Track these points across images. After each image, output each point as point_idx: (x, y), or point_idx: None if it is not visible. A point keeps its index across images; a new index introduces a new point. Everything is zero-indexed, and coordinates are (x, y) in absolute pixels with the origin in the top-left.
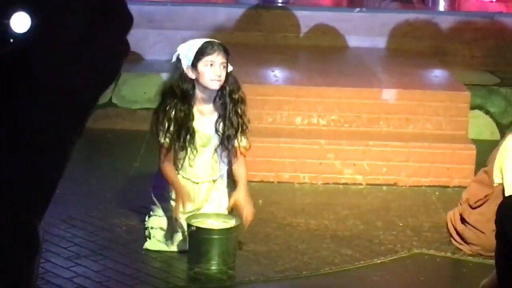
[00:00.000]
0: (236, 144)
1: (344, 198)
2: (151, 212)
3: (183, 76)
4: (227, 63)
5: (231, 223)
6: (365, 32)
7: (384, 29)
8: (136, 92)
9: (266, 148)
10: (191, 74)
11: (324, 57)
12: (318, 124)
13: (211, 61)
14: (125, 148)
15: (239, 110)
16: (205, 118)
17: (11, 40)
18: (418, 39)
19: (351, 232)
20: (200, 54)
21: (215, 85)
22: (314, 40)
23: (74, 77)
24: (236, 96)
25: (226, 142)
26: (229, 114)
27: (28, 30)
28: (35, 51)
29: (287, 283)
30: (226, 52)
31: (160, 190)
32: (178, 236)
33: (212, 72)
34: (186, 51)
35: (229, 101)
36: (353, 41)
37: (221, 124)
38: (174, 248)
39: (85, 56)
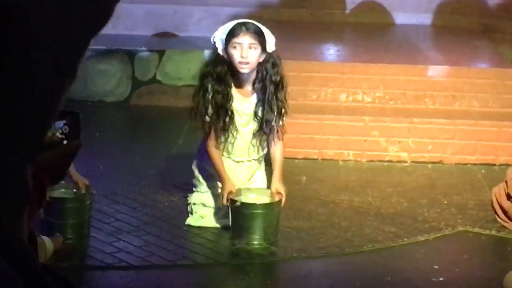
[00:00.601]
0: (274, 124)
1: (388, 176)
2: (193, 188)
3: (218, 59)
4: (259, 44)
5: (273, 198)
6: (412, 9)
7: (431, 5)
8: (180, 68)
9: (310, 125)
10: (226, 57)
11: (369, 34)
12: (363, 101)
13: (238, 43)
14: (169, 125)
15: (279, 95)
16: (245, 99)
17: None
18: (466, 16)
19: (395, 210)
20: (229, 36)
21: (242, 68)
22: (360, 17)
23: (67, 20)
24: (277, 79)
25: (264, 126)
26: (269, 98)
27: None
28: (29, 2)
29: (329, 260)
30: (256, 32)
31: (203, 167)
32: (220, 212)
33: (238, 54)
34: (221, 34)
35: (269, 84)
36: (400, 18)
37: (260, 108)
38: (216, 224)
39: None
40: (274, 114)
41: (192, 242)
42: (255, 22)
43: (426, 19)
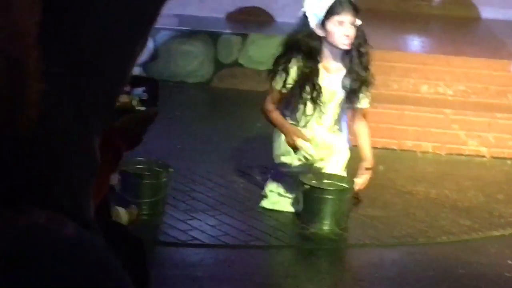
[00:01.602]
0: (358, 105)
1: (466, 170)
2: (269, 176)
3: (311, 33)
4: (355, 21)
5: (345, 184)
6: (499, 4)
7: None
8: (263, 53)
9: (390, 114)
10: (320, 32)
11: (455, 27)
12: (445, 94)
13: (341, 20)
14: (250, 108)
15: (364, 65)
16: (330, 75)
17: None
18: None
19: (471, 203)
20: (330, 13)
21: (344, 45)
22: (446, 10)
23: None
24: (364, 50)
25: (351, 96)
26: (355, 67)
27: None
28: None
29: (402, 249)
30: (356, 9)
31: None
32: (294, 198)
33: (342, 31)
34: (314, 8)
35: (356, 54)
36: (487, 13)
37: (348, 78)
38: (289, 209)
39: None
40: (360, 82)
41: (265, 224)
42: None
43: None
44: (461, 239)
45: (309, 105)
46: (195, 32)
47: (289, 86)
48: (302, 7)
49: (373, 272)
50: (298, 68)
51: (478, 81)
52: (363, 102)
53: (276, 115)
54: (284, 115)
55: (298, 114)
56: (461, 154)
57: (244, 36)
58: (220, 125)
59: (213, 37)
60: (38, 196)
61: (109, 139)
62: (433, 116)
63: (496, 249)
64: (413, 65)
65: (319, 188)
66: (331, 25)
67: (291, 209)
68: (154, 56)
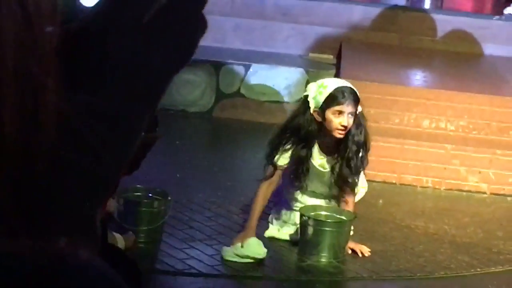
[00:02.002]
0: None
1: (466, 205)
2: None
3: (309, 118)
4: (356, 111)
5: (343, 217)
6: (503, 41)
7: None
8: (265, 84)
9: (390, 148)
10: (318, 117)
11: (458, 63)
12: (446, 129)
13: (341, 110)
14: (250, 138)
15: (360, 155)
16: (324, 156)
17: (80, 15)
18: None
19: (470, 239)
20: (330, 101)
21: (340, 134)
22: (449, 45)
23: (149, 55)
24: (360, 140)
25: (339, 181)
26: (349, 155)
27: (97, 5)
28: (108, 28)
29: (400, 284)
30: (356, 100)
31: (281, 200)
32: (291, 228)
33: (339, 121)
34: (316, 94)
35: (351, 144)
36: (490, 49)
37: (338, 164)
38: (285, 237)
39: (160, 31)
40: (351, 171)
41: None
42: (352, 87)
43: None
44: (460, 275)
45: (302, 185)
46: (198, 61)
47: (285, 164)
48: (307, 44)
49: None
50: (294, 150)
51: (480, 117)
52: (354, 182)
53: (256, 202)
54: (285, 185)
55: (295, 192)
56: (461, 190)
57: (247, 67)
58: (221, 155)
59: (216, 67)
60: (55, 224)
61: None
62: (433, 151)
63: (494, 286)
64: (415, 99)
65: (318, 220)
66: (329, 113)
67: (287, 238)
68: None
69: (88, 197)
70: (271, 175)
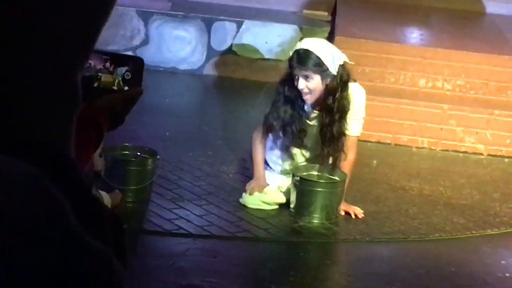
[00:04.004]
0: (347, 132)
1: (462, 167)
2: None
3: (289, 78)
4: (315, 72)
5: (336, 178)
6: None
7: None
8: (257, 41)
9: (386, 108)
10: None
11: (456, 21)
12: (443, 88)
13: (295, 75)
14: (241, 97)
15: (340, 120)
16: (316, 112)
17: None
18: None
19: (466, 201)
20: (288, 64)
21: (306, 99)
22: (448, 3)
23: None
24: (344, 103)
25: (326, 138)
26: (334, 117)
27: None
28: None
29: (393, 246)
30: (306, 62)
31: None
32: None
33: (296, 84)
34: (290, 57)
35: (335, 107)
36: (490, 7)
37: (326, 121)
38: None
39: None
40: (332, 136)
41: (254, 216)
42: (309, 47)
43: None
44: (455, 237)
45: (291, 141)
46: (189, 17)
47: (276, 123)
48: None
49: (362, 268)
50: (284, 110)
51: (477, 76)
52: (352, 129)
53: (257, 152)
54: (272, 146)
55: (282, 148)
56: (457, 151)
57: (239, 23)
58: (211, 114)
59: (207, 23)
60: (6, 132)
61: (91, 118)
62: (429, 111)
63: (490, 248)
64: (411, 58)
65: (310, 180)
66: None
67: (277, 200)
68: (145, 41)
69: (51, 105)
70: (263, 134)
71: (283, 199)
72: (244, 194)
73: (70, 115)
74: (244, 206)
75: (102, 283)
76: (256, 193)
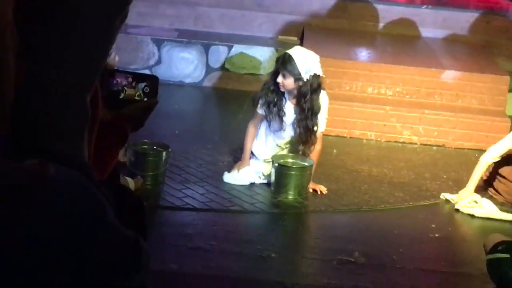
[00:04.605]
0: (314, 129)
1: (401, 154)
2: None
3: (275, 72)
4: (290, 74)
5: (305, 164)
6: (430, 25)
7: (445, 23)
8: (244, 60)
9: (342, 110)
10: None
11: (394, 43)
12: (385, 94)
13: (278, 70)
14: (232, 103)
15: (310, 118)
16: (291, 106)
17: None
18: (472, 33)
19: (404, 180)
20: (276, 63)
21: (280, 88)
22: (388, 29)
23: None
24: (314, 104)
25: (299, 129)
26: (302, 117)
27: None
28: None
29: (350, 215)
30: (287, 65)
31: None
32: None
33: (277, 78)
34: (280, 56)
35: (306, 106)
36: (424, 32)
37: (300, 117)
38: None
39: None
40: (307, 132)
41: (243, 194)
42: (293, 54)
43: (440, 33)
44: (396, 207)
45: (275, 124)
46: (191, 43)
47: (262, 100)
48: (277, 29)
49: (326, 232)
50: (268, 97)
51: (411, 84)
52: (318, 127)
53: (247, 140)
54: (259, 139)
55: (267, 140)
56: (397, 142)
57: (230, 47)
58: (210, 116)
59: (205, 47)
60: (32, 144)
61: (118, 123)
62: (375, 112)
63: (423, 215)
64: (361, 71)
65: (286, 166)
66: None
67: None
68: (158, 61)
69: (68, 121)
70: (255, 119)
71: (255, 179)
72: (225, 173)
73: (82, 129)
74: (229, 183)
75: (131, 264)
76: (234, 171)
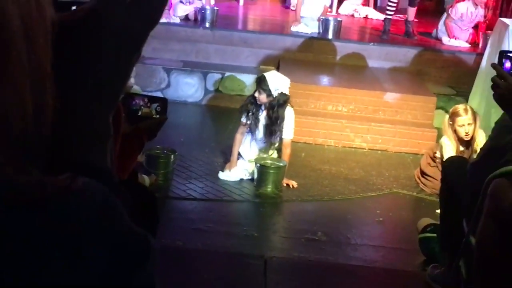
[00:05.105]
0: (282, 135)
1: (354, 156)
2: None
3: (255, 90)
4: (262, 90)
5: (280, 164)
6: (377, 58)
7: (388, 56)
8: (234, 84)
9: (308, 122)
10: None
11: (349, 71)
12: (341, 111)
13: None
14: (224, 118)
15: (276, 125)
16: (263, 111)
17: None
18: (408, 64)
19: (356, 176)
20: (255, 82)
21: (257, 101)
22: (344, 61)
23: (134, 26)
24: (273, 116)
25: (268, 135)
26: (270, 123)
27: None
28: (101, 11)
29: (315, 204)
30: (260, 83)
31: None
32: (248, 171)
33: (255, 93)
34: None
35: (272, 115)
36: (371, 63)
37: (267, 126)
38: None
39: (141, 4)
40: (271, 134)
41: (232, 187)
42: (267, 76)
43: (385, 64)
44: (350, 198)
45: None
46: (193, 71)
47: (245, 122)
48: (259, 61)
49: (297, 216)
50: (250, 103)
51: (361, 103)
52: (287, 134)
53: (235, 145)
54: (244, 144)
55: (251, 145)
56: (351, 147)
57: (223, 74)
58: (207, 128)
59: (204, 74)
60: (66, 157)
61: (137, 135)
62: (334, 124)
63: (370, 204)
64: (323, 93)
65: (266, 165)
66: None
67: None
68: (168, 85)
69: (92, 138)
70: (240, 127)
71: (243, 176)
72: (220, 172)
73: (106, 142)
74: (223, 179)
75: (142, 258)
76: (226, 170)
